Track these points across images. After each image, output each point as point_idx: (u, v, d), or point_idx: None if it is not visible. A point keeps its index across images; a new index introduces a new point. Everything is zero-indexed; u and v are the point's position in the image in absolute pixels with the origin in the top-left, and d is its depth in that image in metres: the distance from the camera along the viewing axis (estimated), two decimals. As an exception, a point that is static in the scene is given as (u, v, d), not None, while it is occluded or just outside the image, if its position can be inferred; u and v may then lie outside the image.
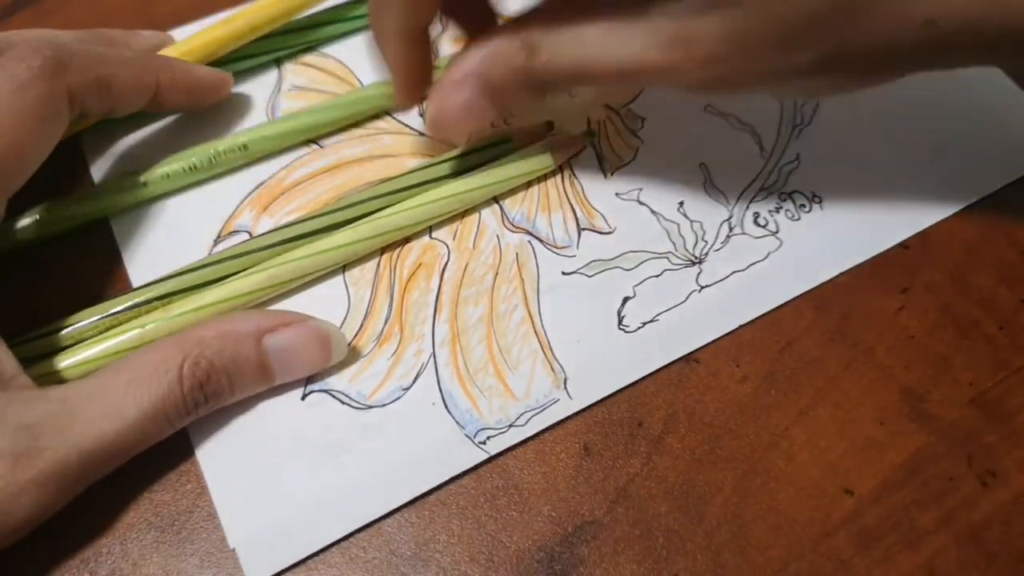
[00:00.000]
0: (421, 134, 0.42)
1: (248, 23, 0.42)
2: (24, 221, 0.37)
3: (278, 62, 0.44)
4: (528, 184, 0.40)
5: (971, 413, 0.33)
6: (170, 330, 0.34)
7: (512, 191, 0.40)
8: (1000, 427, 0.33)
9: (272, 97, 0.43)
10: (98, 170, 0.40)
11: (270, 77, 0.44)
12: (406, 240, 0.38)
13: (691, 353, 0.35)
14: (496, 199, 0.39)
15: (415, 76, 0.36)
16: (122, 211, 0.39)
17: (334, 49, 0.45)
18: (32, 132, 0.33)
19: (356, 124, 0.42)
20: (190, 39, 0.42)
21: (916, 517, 0.31)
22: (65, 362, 0.33)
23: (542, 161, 0.40)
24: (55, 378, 0.33)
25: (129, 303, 0.35)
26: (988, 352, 0.35)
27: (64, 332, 0.34)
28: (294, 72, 0.44)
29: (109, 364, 0.32)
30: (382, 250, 0.38)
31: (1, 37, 0.36)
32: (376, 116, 0.42)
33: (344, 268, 0.37)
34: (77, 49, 0.35)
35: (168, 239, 0.38)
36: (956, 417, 0.33)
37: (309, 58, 0.45)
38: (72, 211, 0.38)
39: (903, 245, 0.37)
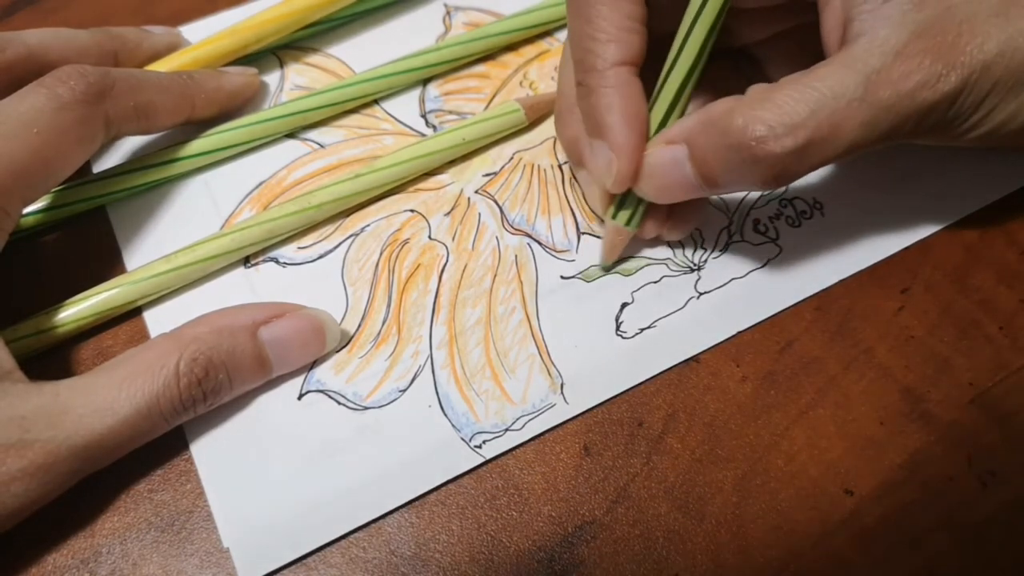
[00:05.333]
0: (422, 135, 0.42)
1: (255, 35, 0.43)
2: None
3: (281, 62, 0.44)
4: (529, 183, 0.40)
5: (971, 413, 0.33)
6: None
7: (487, 147, 0.41)
8: (1000, 427, 0.33)
9: (275, 96, 0.43)
10: (96, 157, 0.41)
11: (273, 76, 0.44)
12: (405, 242, 0.38)
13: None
14: (497, 203, 0.39)
15: (637, 127, 0.33)
16: (120, 200, 0.39)
17: (336, 48, 0.45)
18: (64, 151, 0.34)
19: (356, 110, 0.43)
20: (196, 49, 0.42)
21: (916, 517, 0.31)
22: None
23: (516, 118, 0.41)
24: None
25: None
26: (988, 352, 0.35)
27: (60, 317, 0.35)
28: (296, 71, 0.44)
29: (105, 362, 0.32)
30: (381, 250, 0.38)
31: (8, 36, 0.37)
32: (374, 114, 0.42)
33: (342, 268, 0.37)
34: (119, 76, 0.36)
35: (167, 230, 0.39)
36: (956, 417, 0.33)
37: (311, 58, 0.45)
38: (70, 199, 0.38)
39: (903, 245, 0.38)
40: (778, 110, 0.30)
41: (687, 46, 0.33)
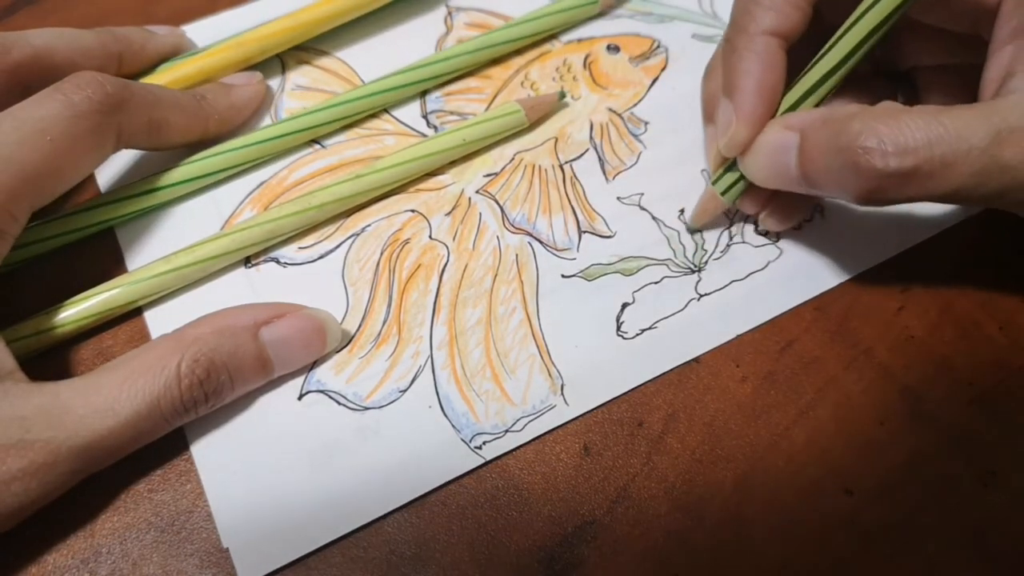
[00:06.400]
0: (423, 135, 0.42)
1: (260, 47, 0.43)
2: (30, 235, 0.37)
3: (282, 62, 0.44)
4: (530, 183, 0.40)
5: (971, 413, 0.33)
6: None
7: (488, 148, 0.41)
8: (1000, 427, 0.33)
9: (276, 96, 0.43)
10: (103, 175, 0.40)
11: (274, 76, 0.44)
12: (405, 242, 0.38)
13: (690, 355, 0.35)
14: (498, 202, 0.39)
15: (766, 99, 0.34)
16: (128, 221, 0.39)
17: (337, 49, 0.45)
18: (75, 159, 0.34)
19: (359, 122, 0.42)
20: (201, 59, 0.42)
21: (916, 517, 0.31)
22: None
23: (516, 119, 0.41)
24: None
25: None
26: (988, 352, 0.35)
27: (60, 317, 0.35)
28: (298, 71, 0.44)
29: (106, 363, 0.32)
30: (382, 250, 0.38)
31: (13, 37, 0.37)
32: (376, 115, 0.42)
33: (343, 268, 0.37)
34: (137, 90, 0.36)
35: (167, 231, 0.39)
36: (956, 417, 0.33)
37: (312, 58, 0.45)
38: (79, 224, 0.38)
39: (903, 246, 0.38)
40: (897, 130, 0.29)
41: (846, 36, 0.33)
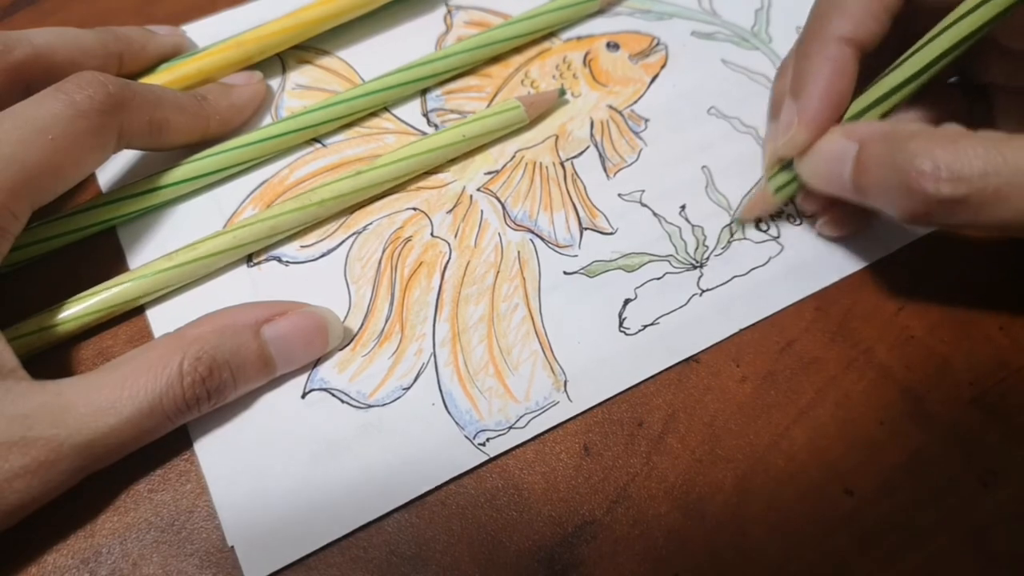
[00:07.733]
0: (423, 134, 0.42)
1: (259, 47, 0.43)
2: (32, 235, 0.37)
3: (282, 61, 0.44)
4: (531, 180, 0.40)
5: (971, 413, 0.33)
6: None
7: (488, 145, 0.41)
8: (1000, 427, 0.33)
9: (276, 95, 0.43)
10: (104, 175, 0.41)
11: (274, 76, 0.44)
12: (407, 240, 0.38)
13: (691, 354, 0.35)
14: (499, 200, 0.39)
15: (831, 104, 0.34)
16: (129, 220, 0.39)
17: (337, 48, 0.45)
18: (76, 159, 0.34)
19: (360, 120, 0.42)
20: (200, 59, 0.42)
21: (916, 517, 0.31)
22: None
23: (516, 116, 0.41)
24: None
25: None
26: (988, 352, 0.35)
27: (62, 315, 0.35)
28: (298, 71, 0.44)
29: (108, 362, 0.32)
30: (384, 248, 0.38)
31: (15, 36, 0.37)
32: (376, 113, 0.42)
33: (345, 266, 0.37)
34: (138, 90, 0.36)
35: (169, 230, 0.39)
36: (956, 417, 0.33)
37: (312, 57, 0.45)
38: (80, 223, 0.38)
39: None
40: (954, 155, 0.29)
41: (920, 52, 0.33)
